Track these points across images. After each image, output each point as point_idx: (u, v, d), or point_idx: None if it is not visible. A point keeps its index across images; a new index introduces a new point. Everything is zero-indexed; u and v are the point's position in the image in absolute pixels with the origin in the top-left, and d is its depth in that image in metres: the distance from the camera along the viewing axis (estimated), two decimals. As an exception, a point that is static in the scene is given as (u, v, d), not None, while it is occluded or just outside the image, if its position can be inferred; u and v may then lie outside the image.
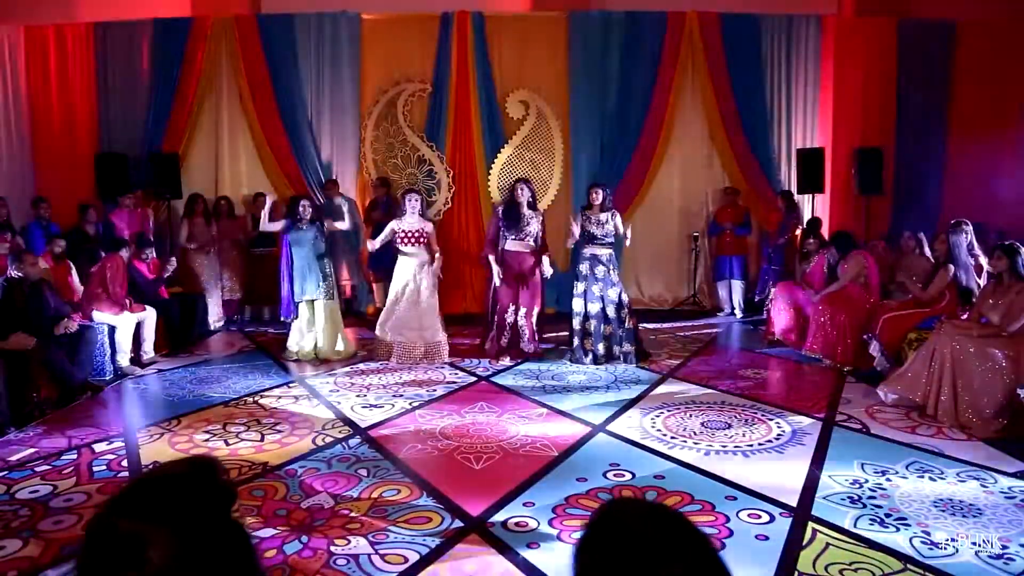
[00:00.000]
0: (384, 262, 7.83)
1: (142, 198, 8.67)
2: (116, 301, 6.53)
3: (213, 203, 8.84)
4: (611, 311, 6.62)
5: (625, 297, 6.72)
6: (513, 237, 6.74)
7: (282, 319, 7.08)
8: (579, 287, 6.68)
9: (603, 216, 6.67)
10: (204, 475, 1.12)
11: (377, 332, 6.83)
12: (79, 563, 1.03)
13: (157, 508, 1.03)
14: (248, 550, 1.12)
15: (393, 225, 6.84)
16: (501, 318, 6.76)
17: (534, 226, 6.77)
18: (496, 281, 6.75)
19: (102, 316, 6.43)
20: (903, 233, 7.56)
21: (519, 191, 6.75)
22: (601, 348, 6.61)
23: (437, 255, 6.83)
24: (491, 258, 6.77)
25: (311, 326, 6.95)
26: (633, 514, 1.07)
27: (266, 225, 7.11)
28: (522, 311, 6.77)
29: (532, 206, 6.83)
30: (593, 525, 1.06)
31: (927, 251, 7.03)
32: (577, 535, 3.23)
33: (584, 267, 6.66)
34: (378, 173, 9.30)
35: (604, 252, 6.66)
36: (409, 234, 6.77)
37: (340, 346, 7.02)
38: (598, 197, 6.69)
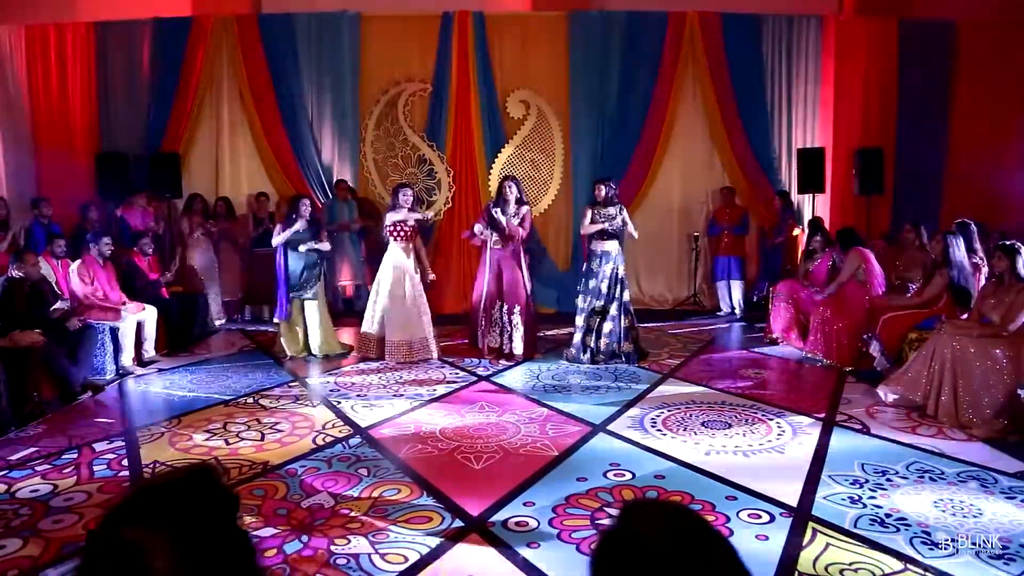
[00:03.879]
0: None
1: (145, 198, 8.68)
2: (106, 305, 6.50)
3: (213, 204, 8.85)
4: (613, 309, 6.62)
5: (627, 296, 6.73)
6: (499, 234, 6.70)
7: (276, 320, 7.04)
8: (588, 283, 6.67)
9: (611, 210, 6.66)
10: (205, 481, 1.11)
11: (368, 329, 6.83)
12: (80, 573, 1.02)
13: (159, 516, 1.02)
14: (251, 558, 1.11)
15: (394, 217, 6.81)
16: (487, 313, 6.76)
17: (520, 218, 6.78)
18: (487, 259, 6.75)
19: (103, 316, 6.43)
20: (903, 226, 7.56)
21: (507, 189, 6.77)
22: (601, 345, 6.62)
23: (423, 257, 6.98)
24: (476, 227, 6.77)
25: (301, 324, 6.98)
26: (648, 516, 1.05)
27: (277, 238, 6.91)
28: (516, 308, 6.74)
29: (520, 201, 6.82)
30: (609, 531, 1.04)
31: (926, 243, 7.02)
32: (578, 535, 3.23)
33: (594, 264, 6.67)
34: (378, 173, 9.30)
35: (613, 248, 6.66)
36: (405, 227, 6.79)
37: (337, 344, 7.09)
38: (602, 193, 6.70)
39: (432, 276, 7.02)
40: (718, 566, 0.98)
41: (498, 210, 6.68)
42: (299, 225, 6.79)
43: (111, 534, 1.02)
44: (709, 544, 1.00)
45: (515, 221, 6.68)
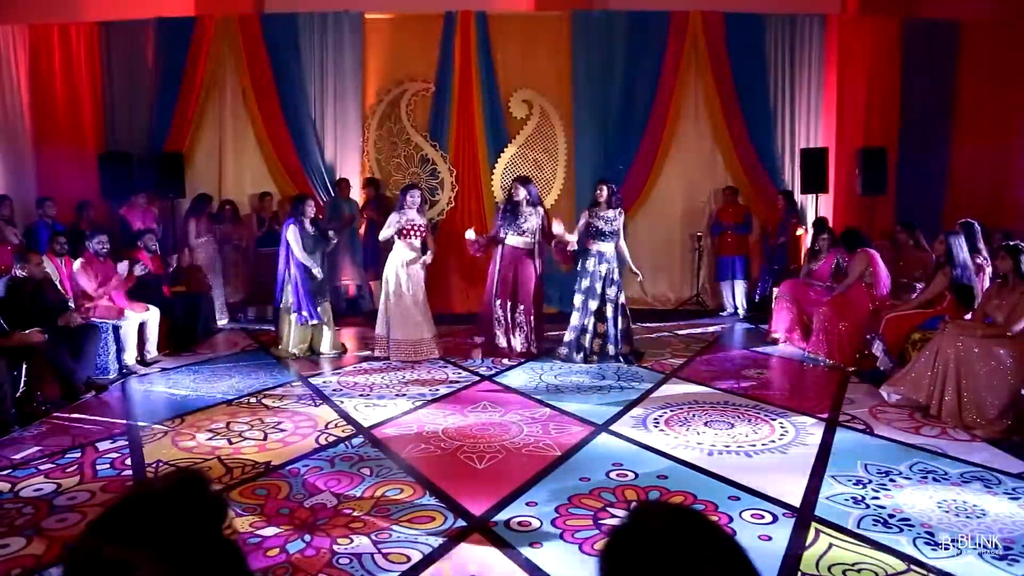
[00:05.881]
0: (382, 261, 7.83)
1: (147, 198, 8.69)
2: (118, 294, 6.51)
3: (218, 206, 8.86)
4: (608, 310, 6.62)
5: (622, 297, 6.72)
6: (512, 232, 6.72)
7: (309, 323, 6.92)
8: (581, 283, 6.68)
9: (610, 213, 6.66)
10: (192, 491, 1.04)
11: (381, 330, 6.85)
12: None
13: (143, 530, 0.97)
14: (242, 570, 1.07)
15: (400, 219, 6.80)
16: (495, 311, 6.74)
17: (533, 222, 6.74)
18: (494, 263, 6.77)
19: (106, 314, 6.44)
20: (895, 227, 7.53)
21: (515, 190, 6.78)
22: (595, 346, 6.61)
23: (431, 249, 6.94)
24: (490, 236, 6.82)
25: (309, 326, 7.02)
26: (658, 518, 1.05)
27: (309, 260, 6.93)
28: (520, 308, 6.77)
29: (533, 203, 6.83)
30: (618, 531, 1.04)
31: (923, 242, 7.00)
32: (580, 535, 3.23)
33: (589, 263, 6.67)
34: (381, 172, 9.31)
35: (607, 248, 6.65)
36: (416, 228, 6.81)
37: (340, 343, 7.16)
38: (603, 194, 6.69)
39: (428, 260, 6.90)
40: (730, 565, 0.98)
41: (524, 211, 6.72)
42: (317, 261, 6.92)
43: (92, 553, 0.97)
44: (720, 543, 1.00)
45: (534, 224, 6.71)
